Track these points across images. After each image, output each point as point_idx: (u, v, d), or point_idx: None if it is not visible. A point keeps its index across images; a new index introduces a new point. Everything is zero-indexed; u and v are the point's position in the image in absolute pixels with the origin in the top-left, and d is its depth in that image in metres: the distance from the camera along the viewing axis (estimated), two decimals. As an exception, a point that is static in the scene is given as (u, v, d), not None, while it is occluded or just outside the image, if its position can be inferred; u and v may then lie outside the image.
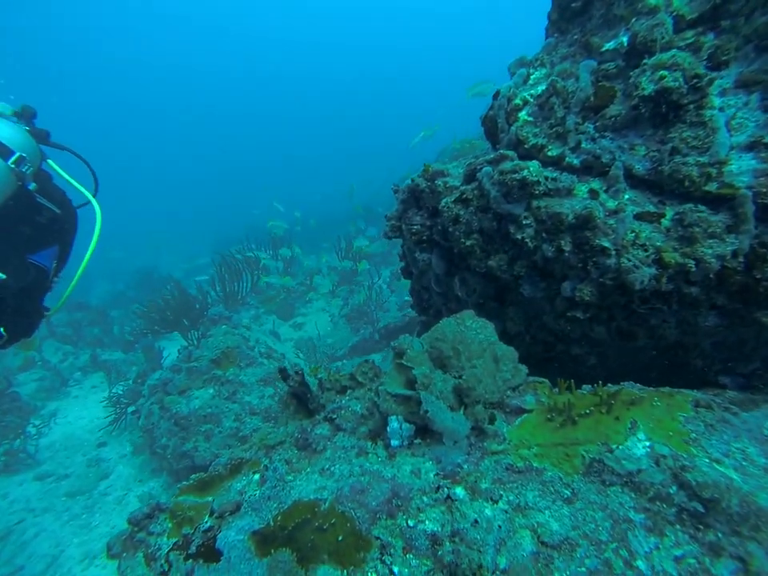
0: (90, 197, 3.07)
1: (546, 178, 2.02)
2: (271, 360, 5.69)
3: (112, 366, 8.02)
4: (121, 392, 6.75)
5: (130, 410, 6.47)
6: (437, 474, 1.85)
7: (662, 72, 1.76)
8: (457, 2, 52.94)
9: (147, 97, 54.82)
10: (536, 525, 1.75)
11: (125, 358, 8.27)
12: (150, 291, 9.65)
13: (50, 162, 2.96)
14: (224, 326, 6.03)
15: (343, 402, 2.39)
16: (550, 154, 2.18)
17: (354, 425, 2.28)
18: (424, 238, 2.52)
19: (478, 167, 2.27)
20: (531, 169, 1.99)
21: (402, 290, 9.07)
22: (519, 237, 2.12)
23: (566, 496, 1.79)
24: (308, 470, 2.20)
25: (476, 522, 1.73)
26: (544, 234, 2.07)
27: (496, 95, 2.33)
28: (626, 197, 2.01)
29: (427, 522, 1.78)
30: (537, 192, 2.02)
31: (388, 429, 2.02)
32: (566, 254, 2.06)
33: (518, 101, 2.22)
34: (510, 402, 1.98)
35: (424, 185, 2.46)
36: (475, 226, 2.29)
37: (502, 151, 2.17)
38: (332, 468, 2.13)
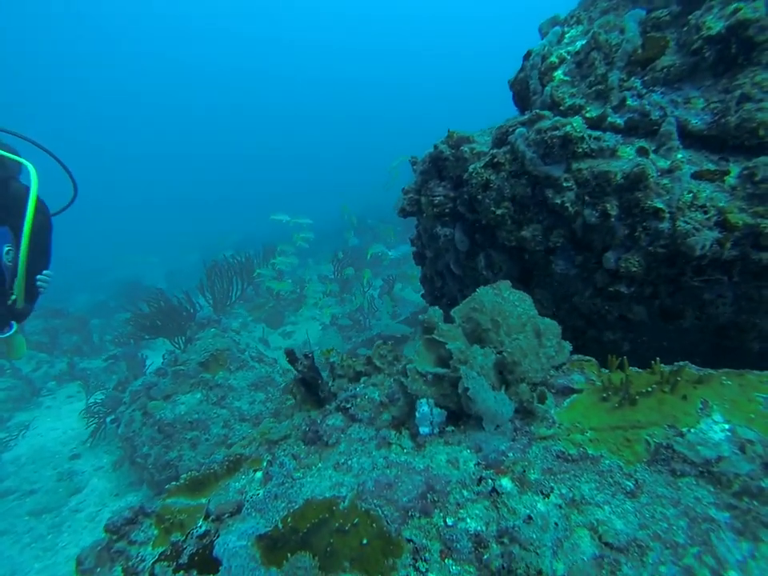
0: (23, 160, 2.74)
1: (590, 136, 1.80)
2: (263, 364, 5.31)
3: (91, 374, 7.48)
4: (99, 401, 6.25)
5: (108, 419, 5.96)
6: (478, 464, 1.55)
7: (736, 4, 1.58)
8: (446, 17, 54.21)
9: (135, 102, 54.27)
10: (595, 523, 1.45)
11: (105, 366, 7.74)
12: (134, 301, 9.17)
13: None
14: (213, 329, 5.65)
15: (358, 389, 2.08)
16: (589, 115, 1.97)
17: (372, 414, 1.97)
18: (446, 210, 2.27)
19: (510, 129, 2.05)
20: (575, 124, 1.77)
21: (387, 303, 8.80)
22: (558, 201, 1.88)
23: (628, 489, 1.50)
24: (319, 465, 1.87)
25: (529, 518, 1.43)
26: (587, 198, 1.84)
27: (527, 55, 2.13)
28: (680, 156, 1.80)
29: (469, 520, 1.47)
30: (579, 151, 1.79)
31: (417, 414, 1.72)
32: (612, 220, 1.83)
33: (553, 58, 2.02)
34: (555, 382, 1.70)
35: (448, 152, 2.22)
36: (507, 193, 2.05)
37: (537, 111, 1.95)
38: (349, 462, 1.80)
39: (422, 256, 2.91)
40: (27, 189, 2.70)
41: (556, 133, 1.80)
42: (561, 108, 1.97)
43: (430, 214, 2.33)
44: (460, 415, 1.75)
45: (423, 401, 1.72)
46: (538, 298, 2.34)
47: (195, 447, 4.70)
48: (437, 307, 1.87)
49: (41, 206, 2.79)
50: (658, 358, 1.72)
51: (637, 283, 1.97)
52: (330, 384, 2.10)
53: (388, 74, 54.28)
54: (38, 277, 2.84)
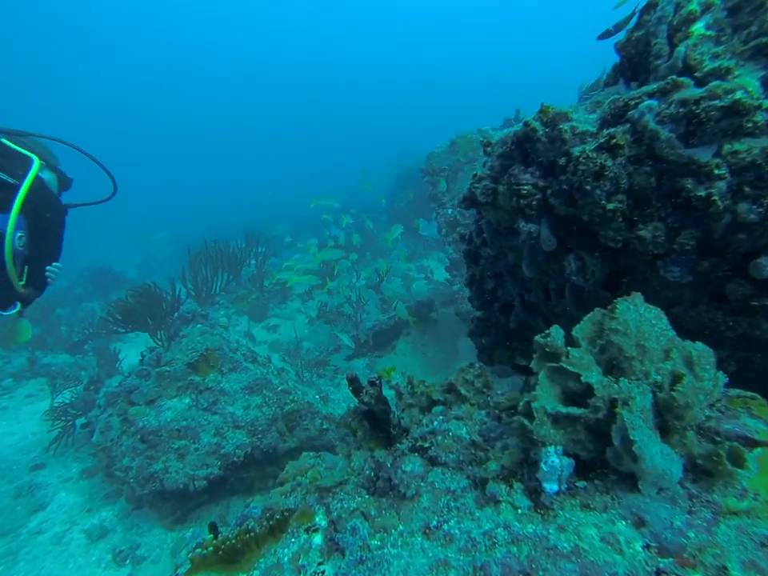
0: (29, 153, 2.75)
1: (759, 106, 1.38)
2: (257, 364, 4.73)
3: (56, 371, 6.61)
4: (68, 401, 5.46)
5: (79, 422, 5.21)
6: (647, 547, 1.12)
7: None
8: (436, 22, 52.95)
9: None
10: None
11: (72, 361, 6.87)
12: (103, 289, 8.25)
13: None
14: (199, 325, 4.99)
15: (436, 423, 1.62)
16: (738, 81, 1.54)
17: (461, 456, 1.50)
18: (533, 202, 1.81)
19: (632, 103, 1.60)
20: (750, 88, 1.35)
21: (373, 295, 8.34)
22: (701, 194, 1.46)
23: None
24: (400, 528, 1.40)
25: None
26: (746, 188, 1.42)
27: (649, 7, 1.69)
28: None
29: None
30: (748, 126, 1.37)
31: (543, 466, 1.27)
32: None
33: (693, 6, 1.57)
34: (721, 428, 1.29)
35: (541, 131, 1.75)
36: (623, 184, 1.61)
37: (673, 78, 1.51)
38: (445, 526, 1.34)
39: (475, 255, 2.45)
40: (42, 181, 2.78)
41: (716, 103, 1.37)
42: (696, 75, 1.54)
43: (511, 207, 1.87)
44: (590, 465, 1.33)
45: (551, 449, 1.27)
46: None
47: (183, 458, 4.10)
48: (557, 326, 1.42)
49: (50, 198, 2.85)
50: None
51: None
52: (401, 415, 1.62)
53: (374, 65, 52.73)
54: (48, 268, 2.89)
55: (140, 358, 5.32)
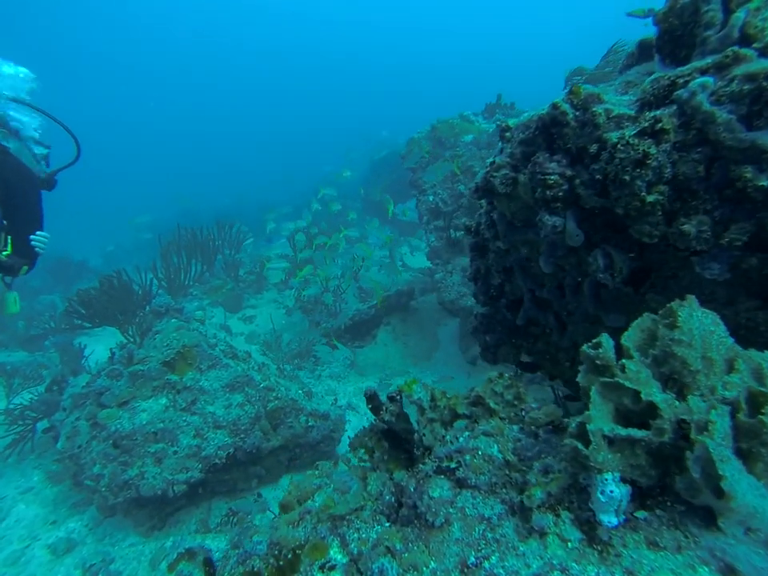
0: None
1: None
2: (237, 360, 4.43)
3: (12, 369, 6.07)
4: (26, 403, 5.00)
5: (40, 426, 4.78)
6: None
7: None
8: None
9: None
10: None
11: (31, 359, 6.32)
12: (65, 280, 7.65)
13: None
14: (174, 320, 4.64)
15: (462, 440, 1.43)
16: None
17: (494, 478, 1.33)
18: (560, 194, 1.63)
19: (680, 81, 1.43)
20: None
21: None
22: (763, 184, 1.31)
23: None
24: (432, 565, 1.21)
25: None
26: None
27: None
28: None
29: None
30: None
31: (599, 496, 1.10)
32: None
33: None
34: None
35: (571, 114, 1.56)
36: (667, 173, 1.44)
37: (734, 49, 1.34)
38: (485, 564, 1.16)
39: (482, 248, 2.26)
40: (5, 150, 2.76)
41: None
42: (755, 45, 1.38)
43: (533, 198, 1.67)
44: (648, 491, 1.17)
45: (608, 476, 1.11)
46: (651, 306, 1.80)
47: (161, 462, 3.79)
48: (606, 335, 1.24)
49: (15, 165, 2.79)
50: None
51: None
52: (423, 432, 1.42)
53: (350, 52, 50.88)
54: (32, 237, 2.86)
55: (109, 354, 4.93)
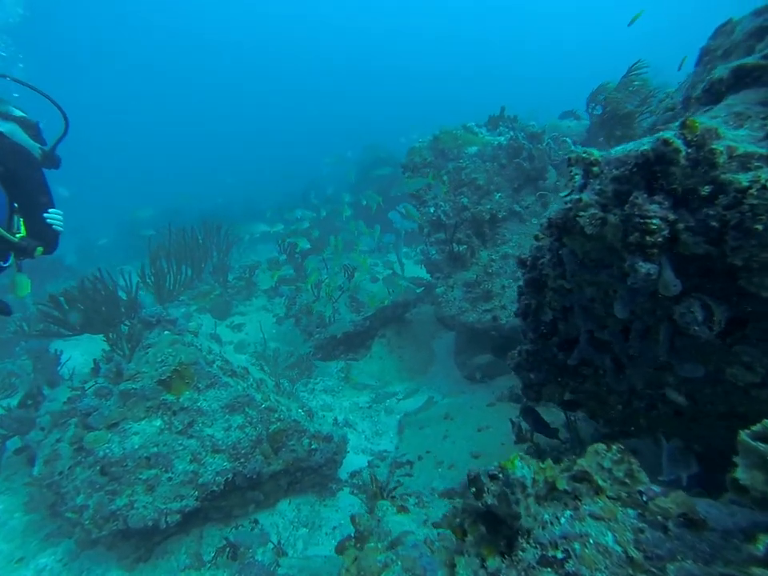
0: None
1: None
2: (236, 378, 4.12)
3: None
4: (-4, 417, 4.51)
5: (10, 445, 4.31)
6: None
7: None
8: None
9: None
10: None
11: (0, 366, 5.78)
12: (38, 277, 7.08)
13: None
14: (167, 332, 4.28)
15: (563, 522, 1.24)
16: None
17: None
18: (659, 239, 1.47)
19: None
20: None
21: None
22: None
23: None
24: None
25: None
26: None
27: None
28: None
29: None
30: None
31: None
32: None
33: None
34: None
35: (683, 152, 1.40)
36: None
37: None
38: None
39: (540, 284, 2.09)
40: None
41: None
42: None
43: (626, 241, 1.51)
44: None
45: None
46: (744, 360, 1.67)
47: (153, 490, 3.45)
48: None
49: (11, 146, 2.74)
50: None
51: None
52: (519, 509, 1.22)
53: (339, 56, 50.04)
54: (46, 215, 2.83)
55: (92, 366, 4.53)
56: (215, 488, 3.59)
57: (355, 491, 4.42)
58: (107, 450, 3.41)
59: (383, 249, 11.22)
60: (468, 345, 6.63)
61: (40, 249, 2.84)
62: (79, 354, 5.95)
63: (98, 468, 3.38)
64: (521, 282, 2.21)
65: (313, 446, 4.06)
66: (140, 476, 3.44)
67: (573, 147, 5.51)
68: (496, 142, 6.15)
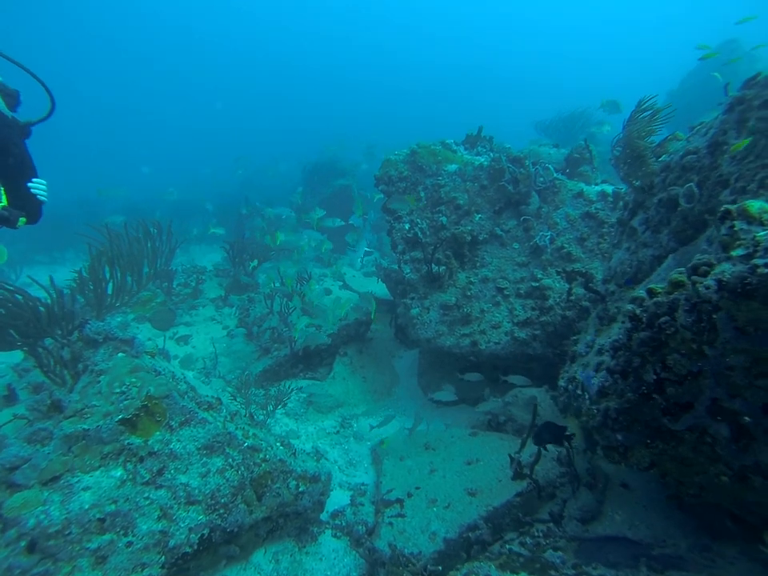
0: None
1: None
2: (212, 412, 3.39)
3: None
4: None
5: None
6: None
7: None
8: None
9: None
10: None
11: None
12: None
13: None
14: (121, 354, 3.40)
15: None
16: None
17: None
18: None
19: None
20: None
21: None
22: None
23: None
24: None
25: None
26: None
27: None
28: None
29: None
30: None
31: None
32: None
33: None
34: None
35: None
36: None
37: None
38: None
39: (656, 343, 1.85)
40: None
41: None
42: None
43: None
44: None
45: None
46: None
47: (104, 561, 2.64)
48: None
49: None
50: None
51: None
52: None
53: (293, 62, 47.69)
54: (29, 185, 2.78)
55: (7, 392, 3.51)
56: (188, 549, 2.87)
57: (338, 534, 3.90)
58: (41, 518, 2.53)
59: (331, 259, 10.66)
60: (431, 367, 6.41)
61: (23, 219, 2.73)
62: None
63: (21, 545, 2.48)
64: (618, 337, 1.98)
65: (300, 489, 3.49)
66: (88, 545, 2.61)
67: (556, 175, 5.59)
68: (477, 162, 6.07)
